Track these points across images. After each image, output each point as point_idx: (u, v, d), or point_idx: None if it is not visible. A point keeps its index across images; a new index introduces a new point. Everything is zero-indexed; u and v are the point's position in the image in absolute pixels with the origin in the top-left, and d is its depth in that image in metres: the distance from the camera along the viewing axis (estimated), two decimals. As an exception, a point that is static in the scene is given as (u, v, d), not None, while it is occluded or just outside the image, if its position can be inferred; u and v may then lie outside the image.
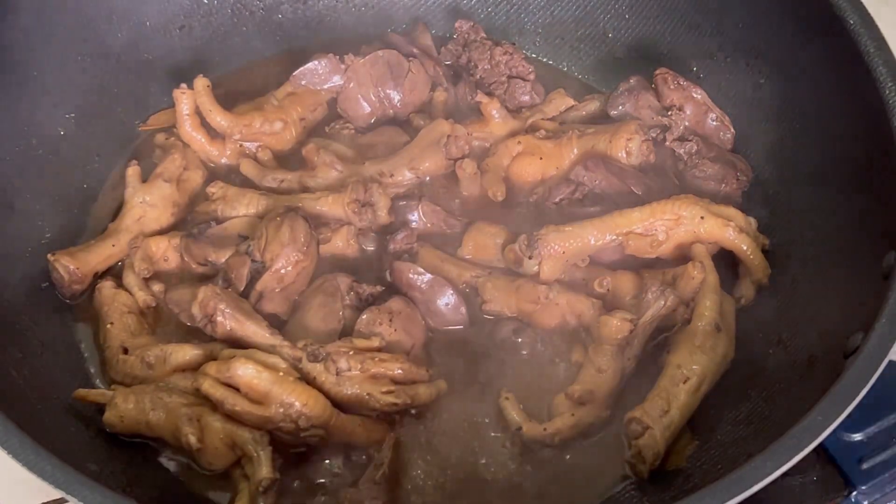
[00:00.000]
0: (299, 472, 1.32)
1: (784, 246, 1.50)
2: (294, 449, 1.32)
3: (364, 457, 1.33)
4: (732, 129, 1.66)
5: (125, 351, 1.40)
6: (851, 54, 1.39)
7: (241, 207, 1.55)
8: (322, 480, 1.32)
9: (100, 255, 1.50)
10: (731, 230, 1.46)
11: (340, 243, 1.51)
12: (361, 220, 1.52)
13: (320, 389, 1.31)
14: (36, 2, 1.53)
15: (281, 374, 1.29)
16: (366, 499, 1.27)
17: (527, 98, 1.76)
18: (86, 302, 1.49)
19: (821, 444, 1.11)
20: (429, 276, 1.47)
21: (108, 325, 1.43)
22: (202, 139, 1.64)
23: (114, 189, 1.63)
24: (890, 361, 1.13)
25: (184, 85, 1.62)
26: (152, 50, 1.74)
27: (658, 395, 1.32)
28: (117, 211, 1.57)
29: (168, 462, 1.34)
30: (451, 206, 1.59)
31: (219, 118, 1.63)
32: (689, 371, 1.34)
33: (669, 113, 1.65)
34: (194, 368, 1.35)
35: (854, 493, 1.34)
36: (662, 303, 1.39)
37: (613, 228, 1.46)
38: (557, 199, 1.57)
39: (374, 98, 1.72)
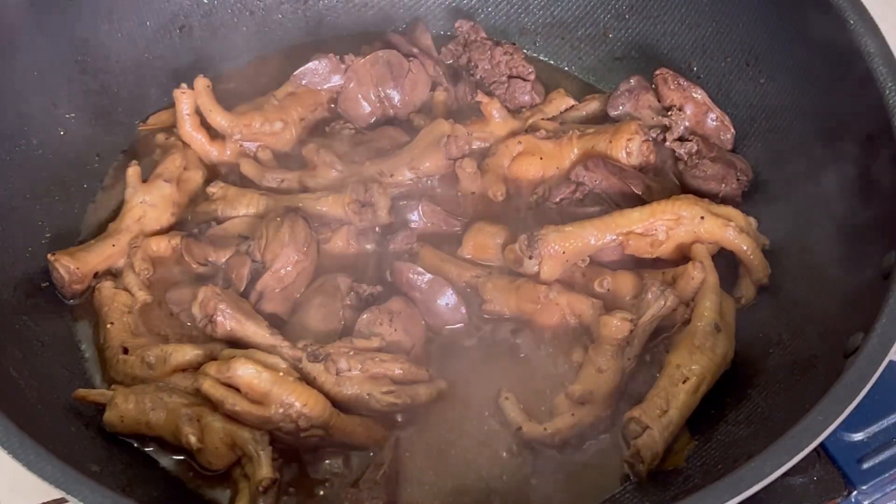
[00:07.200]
0: (299, 472, 1.33)
1: (784, 246, 1.50)
2: (294, 449, 1.32)
3: (364, 457, 1.33)
4: (732, 129, 1.66)
5: (125, 351, 1.40)
6: (851, 54, 1.39)
7: (241, 207, 1.55)
8: (322, 480, 1.32)
9: (100, 255, 1.50)
10: (731, 230, 1.46)
11: (340, 243, 1.51)
12: (361, 220, 1.52)
13: (320, 389, 1.31)
14: (36, 2, 1.53)
15: (281, 374, 1.29)
16: (366, 499, 1.27)
17: (527, 98, 1.76)
18: (86, 302, 1.49)
19: (821, 444, 1.11)
20: (429, 276, 1.46)
21: (108, 325, 1.43)
22: (202, 139, 1.64)
23: (114, 189, 1.63)
24: (890, 361, 1.13)
25: (184, 85, 1.62)
26: (152, 50, 1.74)
27: (657, 395, 1.33)
28: (117, 211, 1.57)
29: (168, 462, 1.34)
30: (451, 206, 1.59)
31: (219, 118, 1.63)
32: (689, 371, 1.34)
33: (669, 113, 1.65)
34: (194, 368, 1.35)
35: (854, 493, 1.34)
36: (662, 303, 1.39)
37: (613, 228, 1.46)
38: (557, 199, 1.57)
39: (374, 98, 1.72)
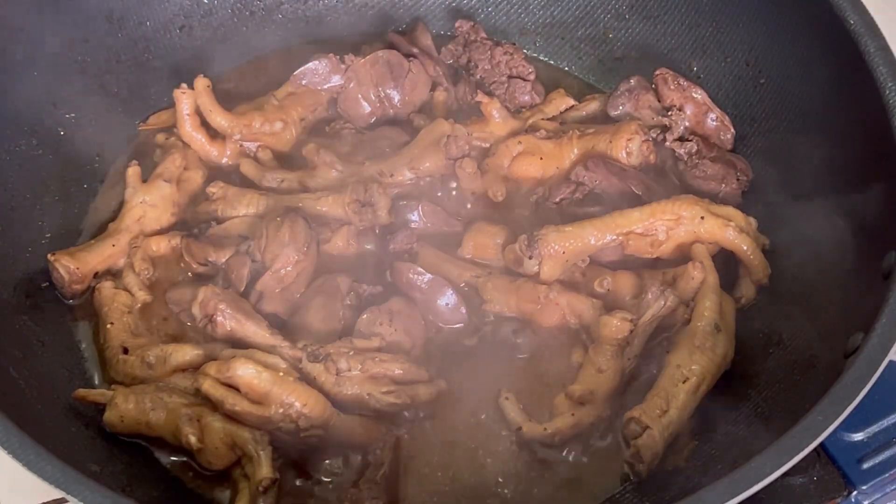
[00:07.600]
0: (299, 472, 1.33)
1: (784, 246, 1.50)
2: (294, 449, 1.32)
3: (364, 457, 1.33)
4: (732, 129, 1.66)
5: (125, 351, 1.40)
6: (851, 54, 1.39)
7: (241, 207, 1.55)
8: (322, 480, 1.32)
9: (100, 255, 1.50)
10: (731, 230, 1.46)
11: (340, 243, 1.51)
12: (361, 220, 1.52)
13: (320, 390, 1.31)
14: (36, 1, 1.53)
15: (281, 374, 1.29)
16: (366, 499, 1.27)
17: (527, 98, 1.76)
18: (86, 302, 1.49)
19: (821, 444, 1.11)
20: (429, 276, 1.46)
21: (108, 325, 1.43)
22: (202, 139, 1.64)
23: (114, 189, 1.63)
24: (890, 361, 1.13)
25: (184, 85, 1.62)
26: (152, 50, 1.74)
27: (657, 395, 1.33)
28: (117, 211, 1.57)
29: (168, 462, 1.34)
30: (451, 206, 1.59)
31: (219, 118, 1.63)
32: (689, 371, 1.34)
33: (669, 113, 1.65)
34: (194, 368, 1.35)
35: (854, 493, 1.34)
36: (662, 303, 1.39)
37: (613, 228, 1.46)
38: (558, 199, 1.57)
39: (374, 98, 1.72)
